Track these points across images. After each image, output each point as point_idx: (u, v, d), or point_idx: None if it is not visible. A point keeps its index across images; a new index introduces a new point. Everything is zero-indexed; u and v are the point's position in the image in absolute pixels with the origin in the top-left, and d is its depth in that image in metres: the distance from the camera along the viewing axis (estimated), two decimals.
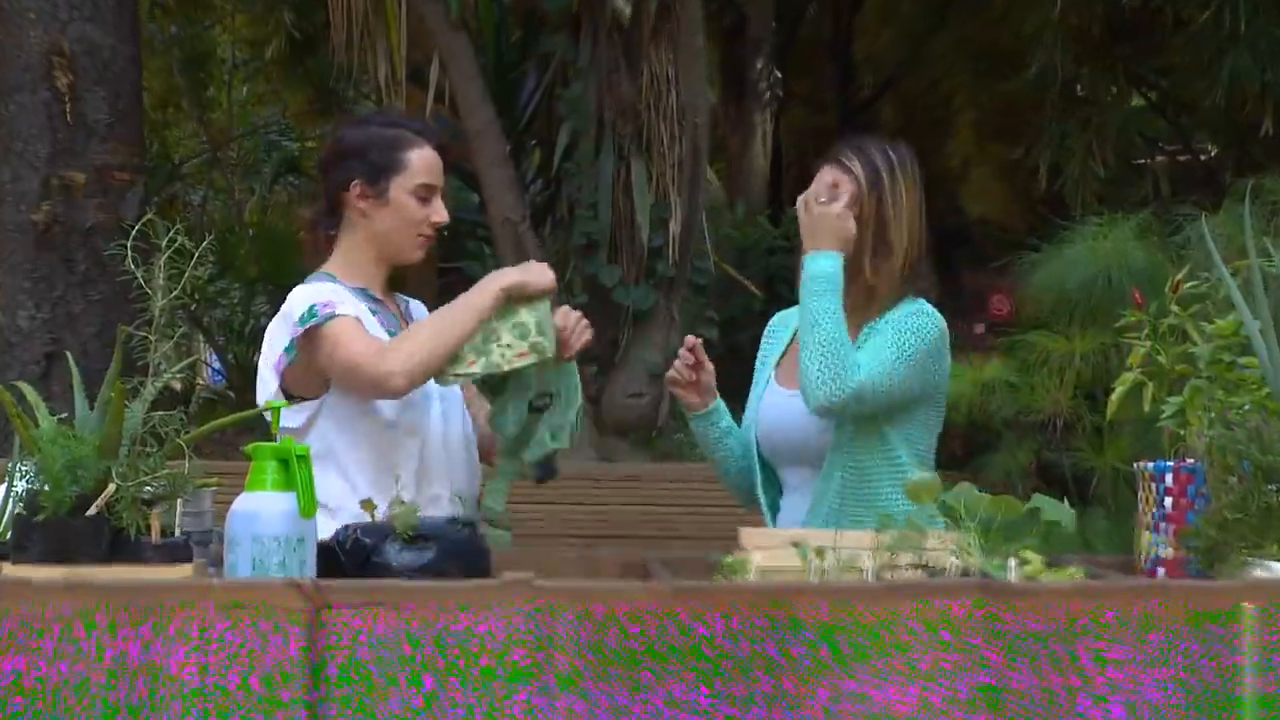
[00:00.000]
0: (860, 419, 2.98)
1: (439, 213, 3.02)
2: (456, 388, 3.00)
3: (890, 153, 3.03)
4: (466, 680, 2.06)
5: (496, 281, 2.90)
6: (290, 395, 2.91)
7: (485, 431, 3.06)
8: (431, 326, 2.90)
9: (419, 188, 2.99)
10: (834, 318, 2.90)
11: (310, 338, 2.87)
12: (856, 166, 3.00)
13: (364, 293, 3.01)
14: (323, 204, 3.04)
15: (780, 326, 3.21)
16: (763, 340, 3.23)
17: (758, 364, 3.21)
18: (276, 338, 2.93)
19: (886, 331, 2.96)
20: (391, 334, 2.96)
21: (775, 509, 3.13)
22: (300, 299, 2.91)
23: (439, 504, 2.94)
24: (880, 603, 2.09)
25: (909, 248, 3.01)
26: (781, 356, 3.16)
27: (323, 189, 3.06)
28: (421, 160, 2.99)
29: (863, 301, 3.02)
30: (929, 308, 3.01)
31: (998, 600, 2.10)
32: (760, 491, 3.11)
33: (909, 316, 2.98)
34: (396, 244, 3.01)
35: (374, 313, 2.98)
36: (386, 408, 2.92)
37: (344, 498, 2.83)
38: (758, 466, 3.12)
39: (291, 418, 2.88)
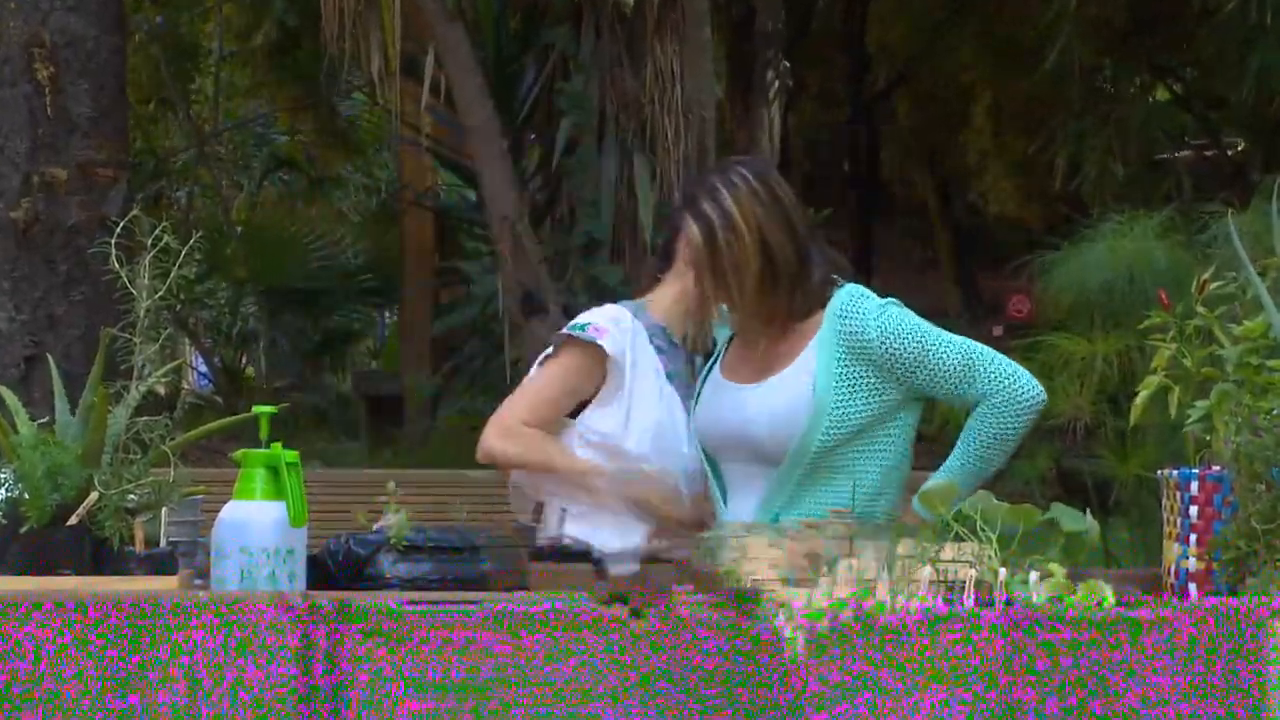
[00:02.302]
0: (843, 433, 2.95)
1: None
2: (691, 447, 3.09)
3: (718, 186, 2.95)
4: (467, 693, 2.06)
5: (613, 483, 2.98)
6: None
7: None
8: (546, 460, 3.02)
9: None
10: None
11: (561, 344, 3.06)
12: (687, 221, 2.96)
13: (661, 330, 3.13)
14: (665, 243, 3.17)
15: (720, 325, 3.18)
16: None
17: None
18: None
19: (920, 359, 2.93)
20: (671, 375, 3.10)
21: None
22: (598, 311, 3.11)
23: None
24: (905, 634, 2.09)
25: (775, 260, 2.95)
26: (726, 348, 3.11)
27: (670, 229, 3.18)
28: None
29: (774, 322, 3.00)
30: (878, 307, 2.97)
31: (1026, 635, 2.09)
32: (715, 487, 3.06)
33: (886, 327, 2.94)
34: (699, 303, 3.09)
35: (660, 351, 3.10)
36: (633, 446, 3.04)
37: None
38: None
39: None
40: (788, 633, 2.10)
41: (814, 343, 2.97)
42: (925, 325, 2.96)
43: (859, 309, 2.95)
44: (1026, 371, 2.95)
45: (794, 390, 2.95)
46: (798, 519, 2.81)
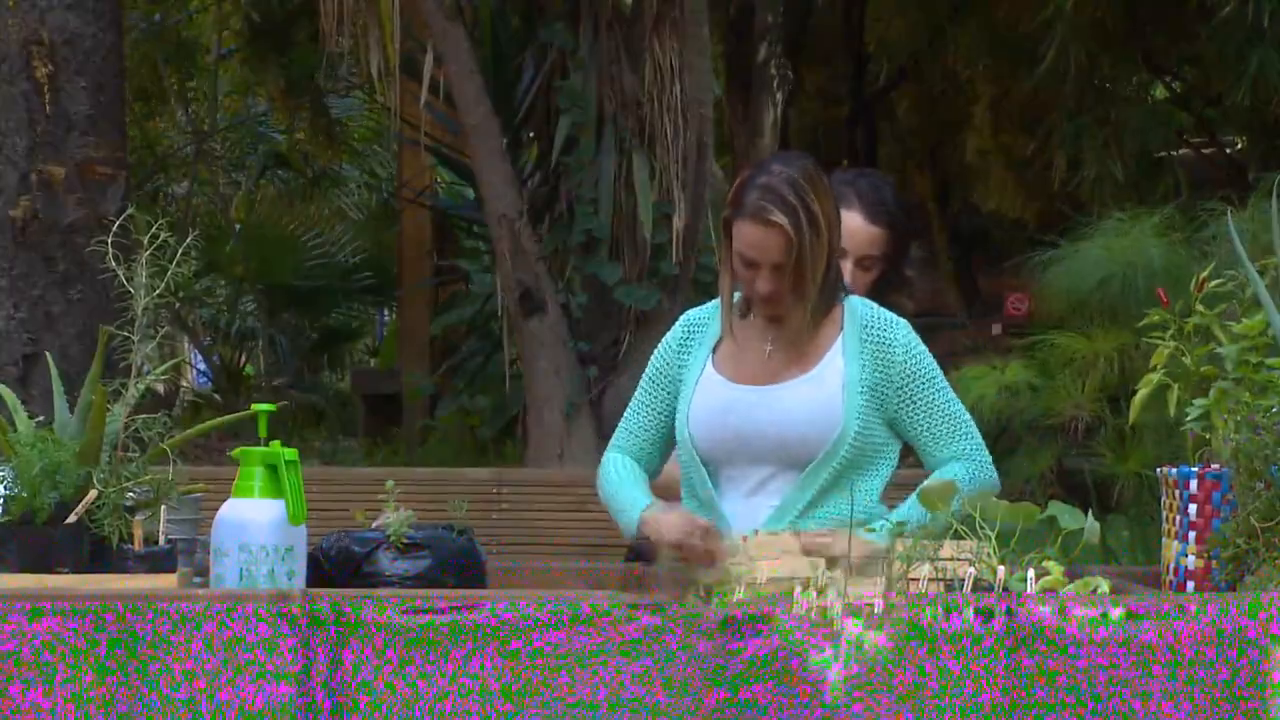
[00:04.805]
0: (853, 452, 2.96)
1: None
2: None
3: (799, 180, 2.93)
4: (468, 689, 2.06)
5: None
6: None
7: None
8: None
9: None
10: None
11: None
12: (779, 217, 2.91)
13: None
14: None
15: (701, 322, 3.12)
16: (675, 339, 3.12)
17: (671, 363, 3.12)
18: None
19: (927, 389, 2.98)
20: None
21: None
22: None
23: None
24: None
25: (833, 256, 3.01)
26: (716, 346, 3.07)
27: None
28: (848, 224, 3.29)
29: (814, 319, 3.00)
30: (907, 326, 3.02)
31: (1026, 645, 2.08)
32: (712, 492, 3.03)
33: (912, 346, 2.99)
34: None
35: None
36: None
37: None
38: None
39: None
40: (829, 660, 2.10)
41: (838, 343, 2.99)
42: (933, 361, 3.02)
43: (883, 316, 3.01)
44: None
45: (829, 389, 2.96)
46: (816, 525, 2.86)
